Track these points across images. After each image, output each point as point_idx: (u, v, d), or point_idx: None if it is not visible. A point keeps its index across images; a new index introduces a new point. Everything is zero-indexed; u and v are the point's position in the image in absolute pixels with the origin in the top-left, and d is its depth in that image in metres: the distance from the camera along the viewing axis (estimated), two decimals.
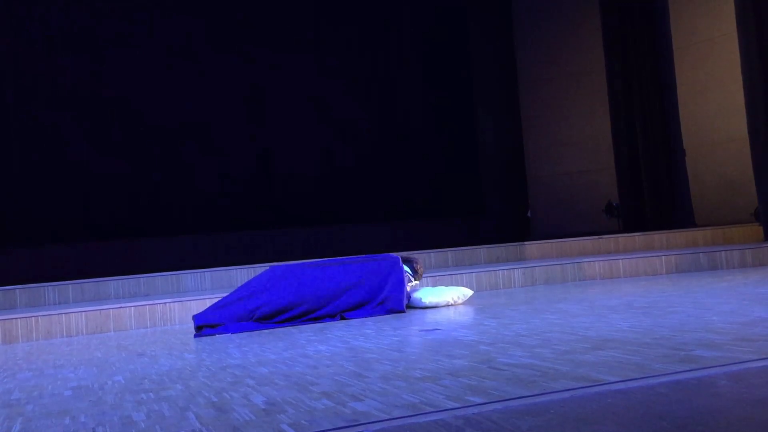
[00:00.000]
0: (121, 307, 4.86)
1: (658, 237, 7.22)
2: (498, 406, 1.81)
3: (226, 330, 4.15)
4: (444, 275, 5.58)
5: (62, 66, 7.44)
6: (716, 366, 2.09)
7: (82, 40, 7.55)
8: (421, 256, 6.86)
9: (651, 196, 8.11)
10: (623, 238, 7.27)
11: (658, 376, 2.01)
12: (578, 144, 9.11)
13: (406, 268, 4.85)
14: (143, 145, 7.67)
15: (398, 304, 4.51)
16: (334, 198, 8.31)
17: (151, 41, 7.79)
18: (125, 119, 7.65)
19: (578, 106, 9.13)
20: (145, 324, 4.86)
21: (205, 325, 4.21)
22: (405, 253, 5.31)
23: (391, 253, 4.91)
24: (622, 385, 1.93)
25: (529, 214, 9.19)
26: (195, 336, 4.13)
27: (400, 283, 4.60)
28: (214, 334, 4.11)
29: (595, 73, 8.85)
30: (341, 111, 8.58)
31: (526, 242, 7.47)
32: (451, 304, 4.68)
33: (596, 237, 7.33)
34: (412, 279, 4.90)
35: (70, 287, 5.91)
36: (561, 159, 9.22)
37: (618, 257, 6.19)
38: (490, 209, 9.03)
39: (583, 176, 9.05)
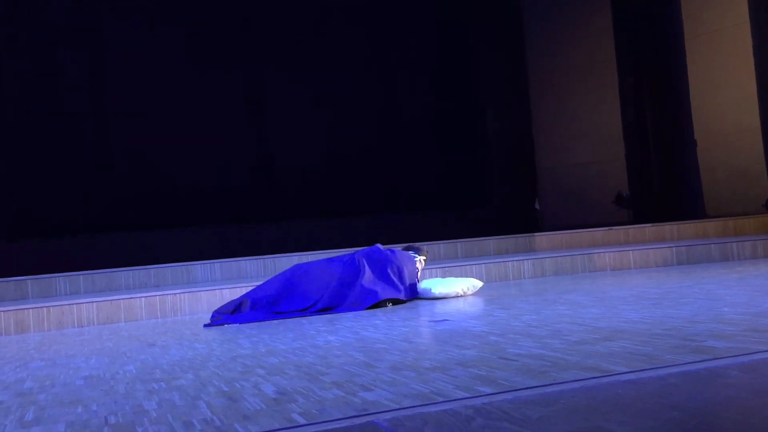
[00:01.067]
0: (131, 298, 4.89)
1: (668, 228, 7.19)
2: (508, 396, 1.81)
3: (237, 320, 4.19)
4: (453, 266, 5.58)
5: (70, 64, 7.47)
6: (728, 357, 2.08)
7: (86, 39, 7.58)
8: (429, 247, 6.88)
9: (661, 187, 8.07)
10: (633, 230, 7.24)
11: (669, 366, 2.01)
12: (588, 135, 9.07)
13: (411, 253, 4.88)
14: (152, 139, 7.69)
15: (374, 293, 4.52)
16: (337, 190, 8.31)
17: (153, 40, 7.79)
18: (131, 114, 7.67)
19: (588, 96, 9.09)
20: (155, 314, 4.89)
21: (223, 312, 4.28)
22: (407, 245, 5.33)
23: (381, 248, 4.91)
24: (632, 376, 1.93)
25: (537, 206, 9.14)
26: (205, 326, 4.16)
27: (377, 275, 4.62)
28: (223, 324, 4.14)
29: (604, 62, 8.80)
30: (342, 103, 8.55)
31: (535, 233, 7.45)
32: (461, 295, 4.68)
33: (606, 228, 7.30)
34: (418, 256, 4.91)
35: (81, 278, 5.95)
36: (571, 150, 9.18)
37: (628, 248, 6.16)
38: (495, 202, 8.98)
39: (592, 167, 9.02)
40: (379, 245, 4.91)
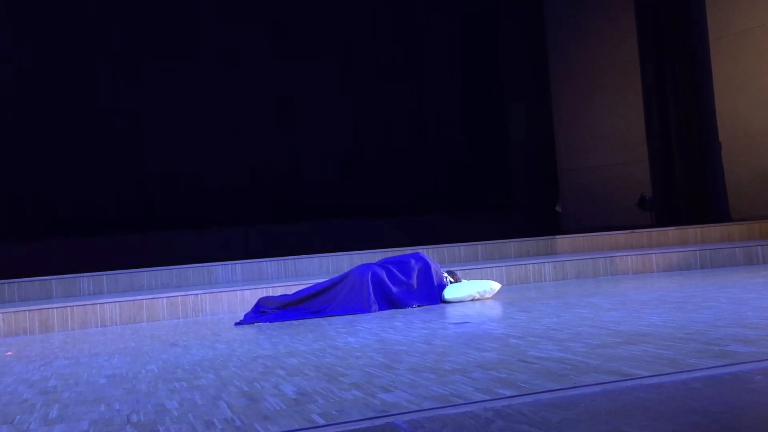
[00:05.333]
0: (154, 298, 4.93)
1: (692, 231, 7.11)
2: (528, 399, 1.81)
3: (271, 318, 4.26)
4: (474, 269, 5.56)
5: (101, 67, 7.58)
6: (751, 361, 2.05)
7: (120, 45, 7.69)
8: (450, 250, 6.87)
9: (685, 190, 7.98)
10: (656, 233, 7.17)
11: (692, 371, 1.99)
12: (611, 136, 8.99)
13: (444, 273, 4.87)
14: (176, 141, 7.76)
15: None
16: (360, 191, 8.31)
17: (183, 45, 7.87)
18: (159, 116, 7.74)
19: (611, 97, 9.01)
20: (177, 315, 4.93)
21: (262, 311, 4.35)
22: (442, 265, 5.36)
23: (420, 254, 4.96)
24: (654, 380, 1.91)
25: (558, 209, 9.05)
26: (236, 324, 4.26)
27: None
28: (253, 323, 4.22)
29: (628, 63, 8.72)
30: (368, 102, 8.56)
31: (557, 236, 7.40)
32: (477, 299, 4.65)
33: (629, 231, 7.23)
34: (450, 279, 4.90)
35: (105, 278, 6.01)
36: (593, 152, 9.11)
37: (651, 251, 6.11)
38: (519, 203, 8.93)
39: (615, 169, 8.93)
40: (421, 253, 4.94)
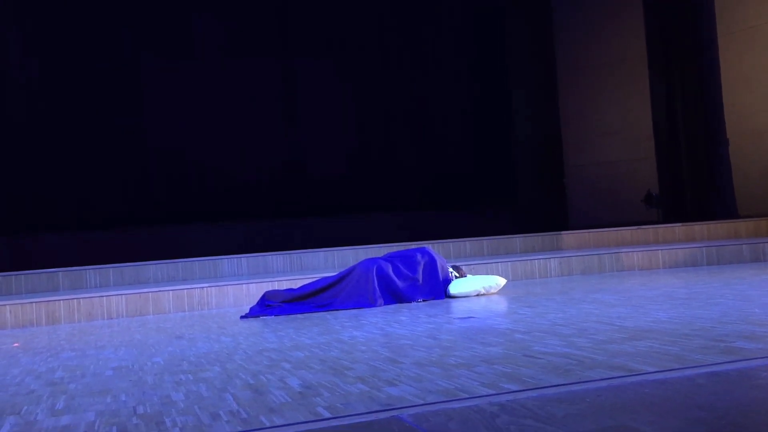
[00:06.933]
0: (160, 291, 4.95)
1: (699, 228, 7.09)
2: (533, 393, 1.81)
3: (273, 312, 4.27)
4: (479, 264, 5.56)
5: (103, 60, 7.60)
6: (757, 358, 2.05)
7: (122, 38, 7.70)
8: (455, 245, 6.87)
9: (692, 186, 7.95)
10: (663, 229, 7.15)
11: (698, 367, 1.98)
12: (618, 133, 8.96)
13: (450, 268, 4.87)
14: (184, 135, 7.77)
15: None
16: (365, 186, 8.30)
17: (186, 37, 7.89)
18: (165, 111, 7.75)
19: (618, 93, 8.98)
20: (183, 308, 4.95)
21: (268, 305, 4.36)
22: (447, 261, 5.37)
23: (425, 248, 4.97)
24: (659, 376, 1.91)
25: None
26: (242, 317, 4.29)
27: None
28: (258, 316, 4.23)
29: (635, 59, 8.69)
30: (372, 98, 8.54)
31: (563, 232, 7.39)
32: (483, 294, 4.65)
33: (635, 227, 7.22)
34: (455, 273, 4.89)
35: (111, 271, 6.03)
36: (600, 148, 9.08)
37: (657, 248, 6.09)
38: (524, 199, 8.92)
39: (622, 166, 8.91)
40: (428, 248, 4.94)
